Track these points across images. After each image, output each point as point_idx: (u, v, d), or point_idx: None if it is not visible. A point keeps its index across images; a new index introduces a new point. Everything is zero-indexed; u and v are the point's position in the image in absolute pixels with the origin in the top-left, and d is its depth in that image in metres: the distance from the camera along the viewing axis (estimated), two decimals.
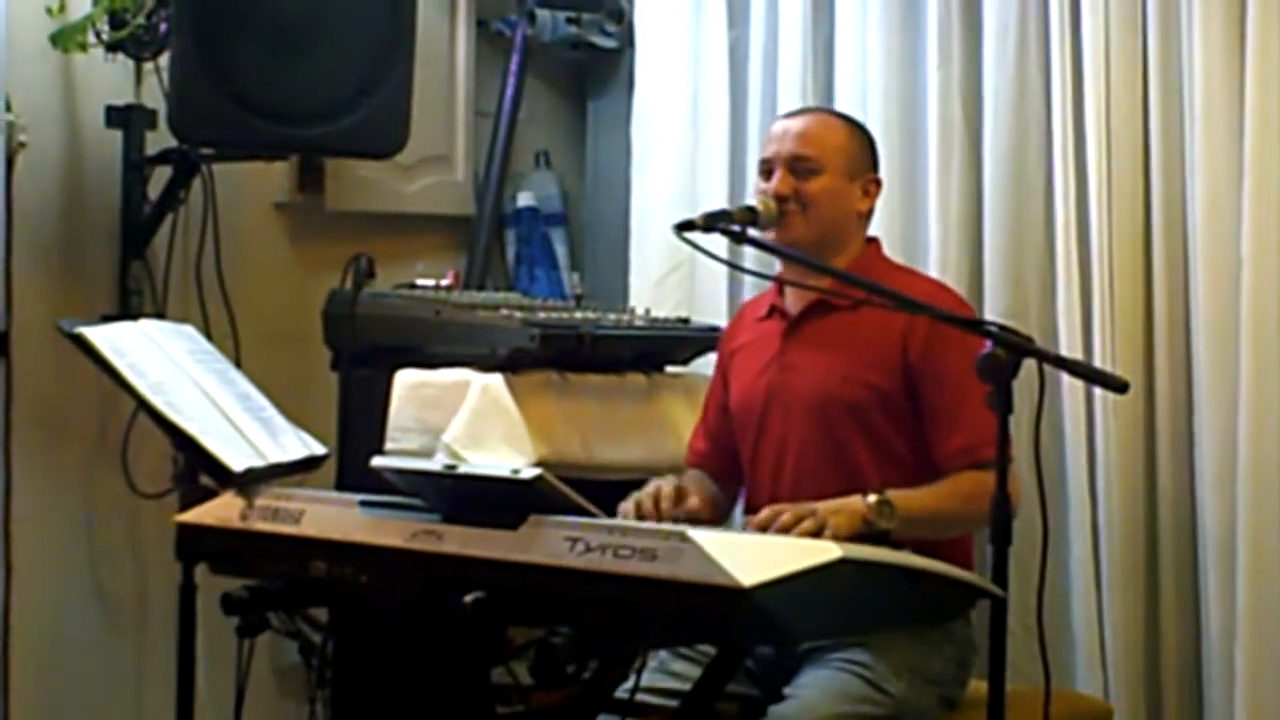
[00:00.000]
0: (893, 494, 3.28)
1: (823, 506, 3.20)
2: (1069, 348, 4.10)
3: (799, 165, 3.61)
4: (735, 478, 3.82)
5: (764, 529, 3.18)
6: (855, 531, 3.17)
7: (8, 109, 4.23)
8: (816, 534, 3.13)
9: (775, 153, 3.65)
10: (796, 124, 3.70)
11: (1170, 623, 4.08)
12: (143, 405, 3.51)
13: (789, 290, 3.70)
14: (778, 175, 3.61)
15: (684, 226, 3.36)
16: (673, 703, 3.37)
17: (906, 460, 3.48)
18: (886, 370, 3.51)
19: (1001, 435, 2.94)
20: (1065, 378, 4.06)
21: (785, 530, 3.16)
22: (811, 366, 3.59)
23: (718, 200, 4.71)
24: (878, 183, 3.71)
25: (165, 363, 3.58)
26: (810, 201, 3.59)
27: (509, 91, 5.14)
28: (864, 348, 3.54)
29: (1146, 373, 4.10)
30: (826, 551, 2.74)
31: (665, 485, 3.48)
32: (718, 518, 3.76)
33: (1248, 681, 3.85)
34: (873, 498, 3.24)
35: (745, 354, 3.76)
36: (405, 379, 4.06)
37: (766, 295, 3.81)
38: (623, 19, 5.19)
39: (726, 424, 3.79)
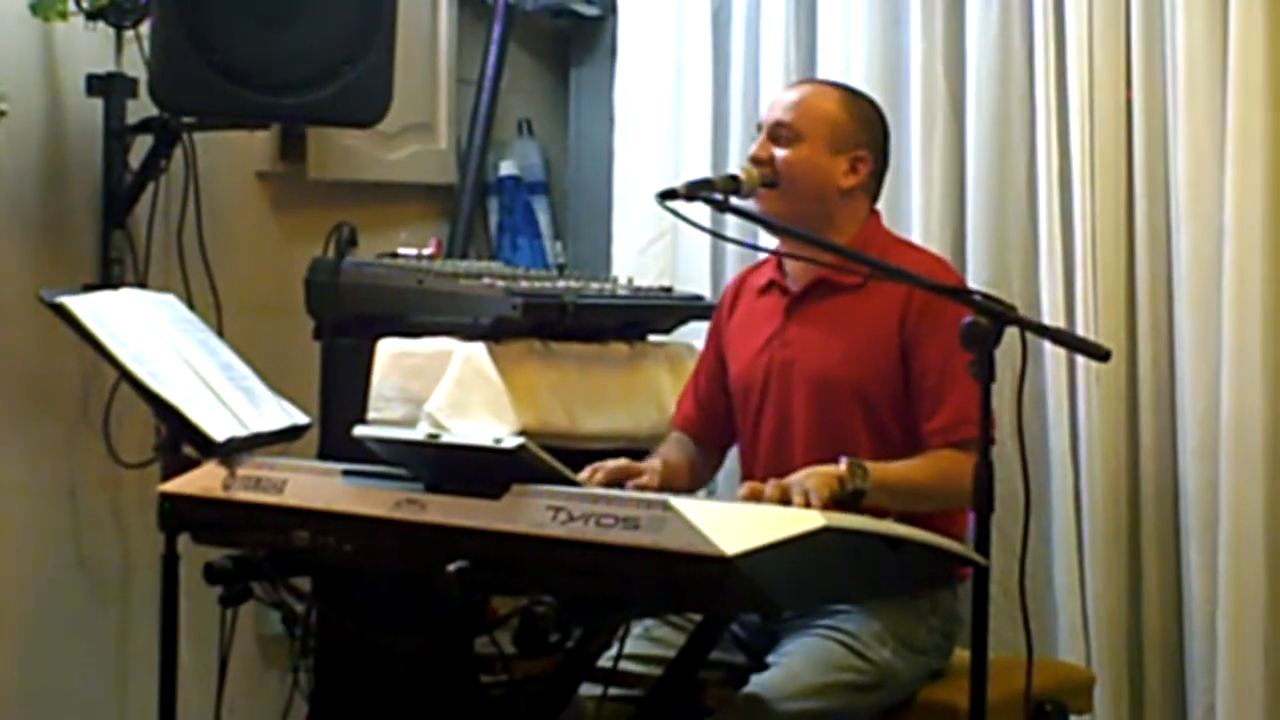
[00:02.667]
0: (868, 461, 3.28)
1: (797, 478, 3.18)
2: (1051, 316, 4.10)
3: (779, 132, 3.61)
4: (720, 445, 3.82)
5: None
6: (833, 493, 3.16)
7: None
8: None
9: (764, 118, 3.67)
10: (793, 92, 3.71)
11: (1152, 591, 4.09)
12: (124, 375, 3.50)
13: (790, 265, 3.68)
14: (759, 140, 3.62)
15: (667, 195, 3.35)
16: (657, 670, 3.38)
17: (901, 443, 3.48)
18: (886, 351, 3.50)
19: (984, 404, 2.94)
20: (1048, 346, 4.06)
21: None
22: (813, 345, 3.58)
23: (700, 169, 4.70)
24: (866, 160, 3.64)
25: (147, 332, 3.58)
26: (781, 170, 3.58)
27: (491, 59, 5.12)
28: (866, 328, 3.53)
29: (1129, 341, 4.11)
30: (809, 520, 2.75)
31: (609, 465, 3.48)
32: (697, 484, 3.77)
33: (1229, 649, 3.86)
34: (845, 461, 3.23)
35: (744, 327, 3.75)
36: (388, 348, 4.05)
37: (766, 266, 3.78)
38: None
39: (717, 391, 3.79)
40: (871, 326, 3.53)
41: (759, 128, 3.67)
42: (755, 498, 3.14)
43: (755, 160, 3.59)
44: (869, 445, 3.45)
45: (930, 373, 3.46)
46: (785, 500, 3.10)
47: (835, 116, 3.64)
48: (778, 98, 3.74)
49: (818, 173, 3.60)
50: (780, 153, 3.59)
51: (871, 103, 3.76)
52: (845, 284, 3.57)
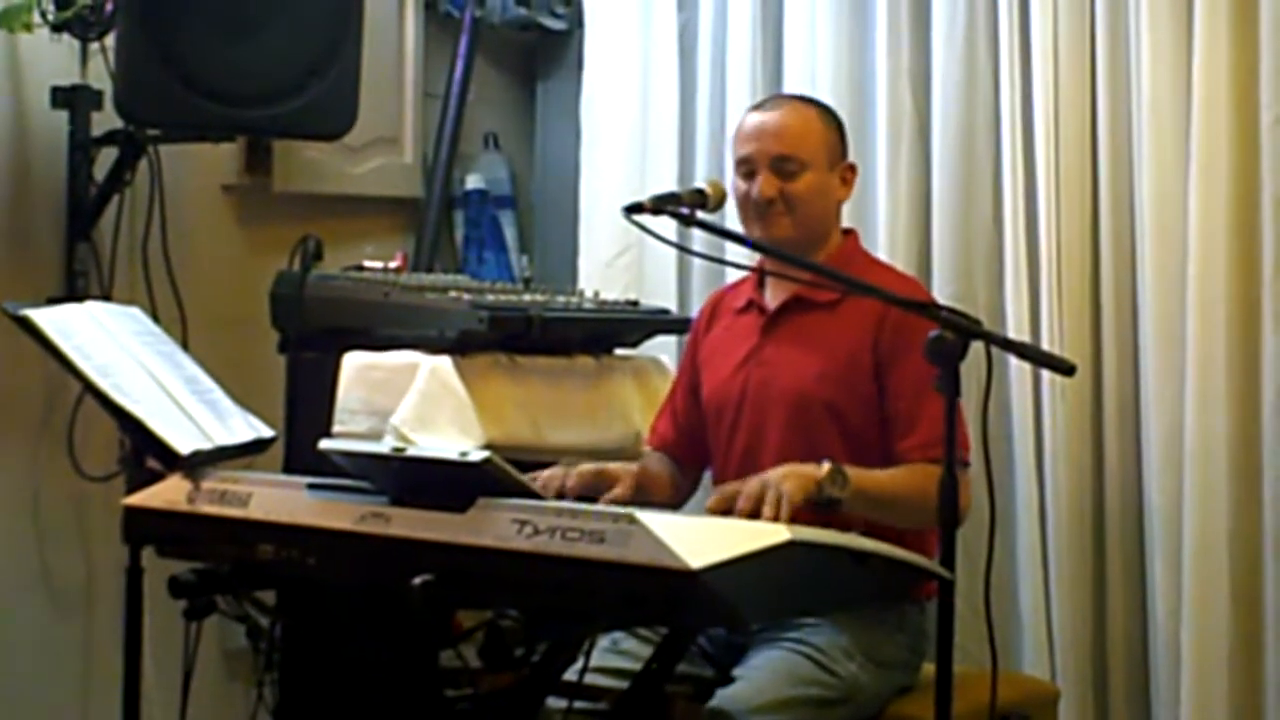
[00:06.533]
0: (848, 468, 3.27)
1: (774, 475, 3.17)
2: (1017, 331, 4.11)
3: (783, 166, 3.57)
4: (698, 463, 3.81)
5: (724, 512, 3.17)
6: (808, 495, 3.16)
7: None
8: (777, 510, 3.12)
9: (756, 151, 3.60)
10: (774, 120, 3.63)
11: (1117, 605, 4.10)
12: (89, 388, 3.49)
13: (768, 284, 3.69)
14: (761, 178, 3.57)
15: (633, 209, 3.35)
16: (623, 684, 3.38)
17: (877, 461, 3.47)
18: (860, 368, 3.50)
19: (949, 418, 2.94)
20: (1013, 361, 4.07)
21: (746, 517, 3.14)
22: (788, 363, 3.58)
23: (667, 183, 4.72)
24: (853, 168, 3.69)
25: (112, 345, 3.56)
26: (796, 201, 3.57)
27: (458, 73, 5.12)
28: (840, 345, 3.53)
29: (1094, 356, 4.12)
30: (775, 534, 2.74)
31: (580, 470, 3.48)
32: (677, 499, 3.76)
33: (1193, 663, 3.87)
34: (827, 465, 3.22)
35: (721, 347, 3.74)
36: (353, 361, 4.05)
37: (744, 286, 3.78)
38: (572, 1, 5.19)
39: (694, 410, 3.78)
40: (847, 344, 3.53)
41: (746, 162, 3.61)
42: (728, 501, 3.13)
43: (766, 200, 3.56)
44: (846, 460, 3.44)
45: (905, 391, 3.45)
46: (761, 498, 3.09)
47: (824, 135, 3.64)
48: (755, 127, 3.63)
49: (826, 195, 3.62)
50: (791, 185, 3.57)
51: (833, 111, 3.77)
52: (821, 301, 3.58)
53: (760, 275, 3.73)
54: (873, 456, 3.46)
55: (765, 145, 3.60)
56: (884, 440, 3.49)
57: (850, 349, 3.52)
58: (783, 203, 3.57)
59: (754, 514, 3.10)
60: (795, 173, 3.58)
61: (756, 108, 3.77)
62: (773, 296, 3.68)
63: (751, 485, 3.15)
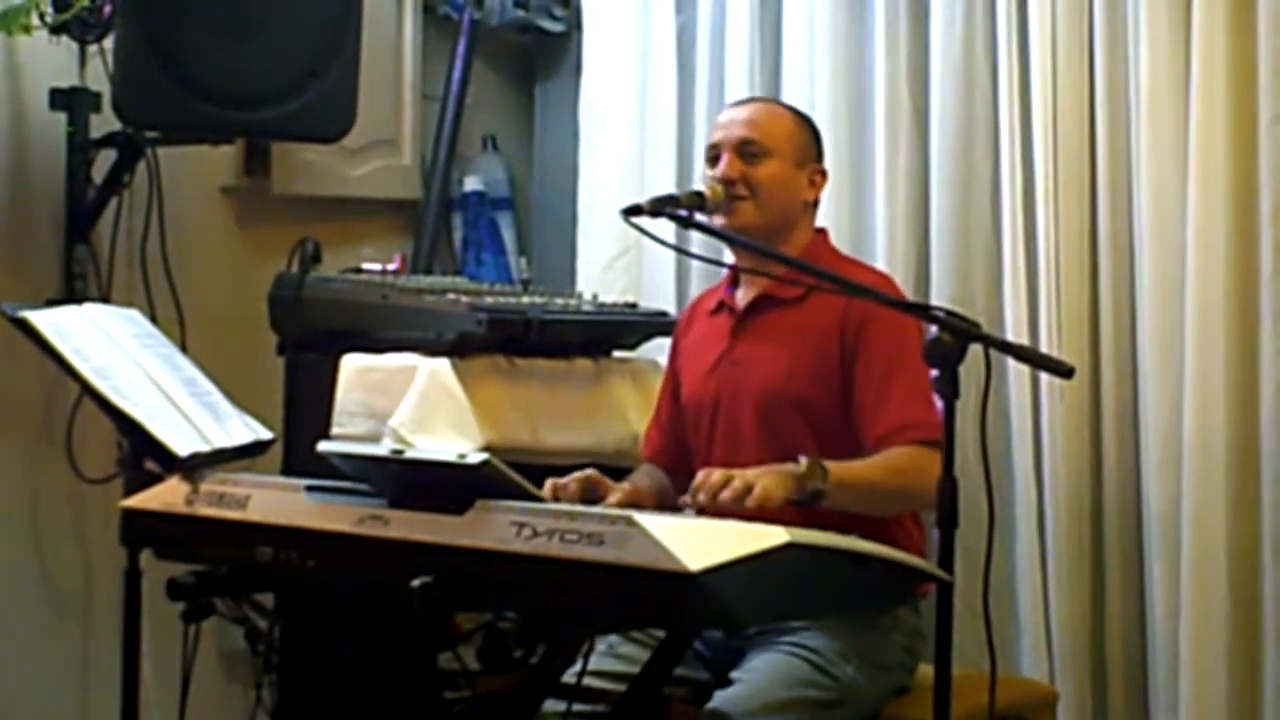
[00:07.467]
0: (827, 461, 3.27)
1: (752, 472, 3.17)
2: (1015, 334, 4.11)
3: (747, 149, 3.61)
4: (688, 471, 3.80)
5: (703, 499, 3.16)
6: (787, 492, 3.16)
7: None
8: (745, 496, 3.11)
9: (723, 138, 3.65)
10: (744, 111, 3.71)
11: (1115, 607, 4.09)
12: (87, 390, 3.49)
13: (740, 284, 3.70)
14: (726, 159, 3.61)
15: (631, 211, 3.35)
16: (621, 686, 3.38)
17: (849, 453, 3.46)
18: (829, 363, 3.51)
19: (947, 420, 2.94)
20: (1011, 363, 4.07)
21: (715, 493, 3.13)
22: (757, 362, 3.59)
23: (665, 185, 4.71)
24: (823, 173, 3.72)
25: (110, 347, 3.57)
26: (759, 186, 3.59)
27: (456, 75, 5.12)
28: (809, 342, 3.54)
29: (1092, 358, 4.12)
30: (774, 536, 2.74)
31: (575, 477, 3.48)
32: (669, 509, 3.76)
33: (1192, 664, 3.87)
34: (804, 460, 3.22)
35: (696, 349, 3.76)
36: (352, 363, 4.05)
37: (718, 289, 3.81)
38: (570, 3, 5.19)
39: (679, 416, 3.79)
40: (813, 339, 3.54)
41: (714, 148, 3.66)
42: (712, 494, 3.12)
43: (726, 180, 3.59)
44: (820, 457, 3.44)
45: (871, 382, 3.46)
46: (742, 497, 3.09)
47: (794, 132, 3.68)
48: (726, 118, 3.72)
49: (788, 187, 3.63)
50: (753, 169, 3.60)
51: (810, 119, 3.81)
52: (787, 297, 3.59)
53: (734, 276, 3.74)
54: (843, 452, 3.45)
55: (731, 131, 3.66)
56: (854, 433, 3.49)
57: (817, 344, 3.53)
58: (744, 186, 3.60)
59: (738, 513, 3.10)
60: (758, 156, 3.61)
61: (730, 105, 3.87)
62: (743, 296, 3.69)
63: (715, 477, 3.14)
